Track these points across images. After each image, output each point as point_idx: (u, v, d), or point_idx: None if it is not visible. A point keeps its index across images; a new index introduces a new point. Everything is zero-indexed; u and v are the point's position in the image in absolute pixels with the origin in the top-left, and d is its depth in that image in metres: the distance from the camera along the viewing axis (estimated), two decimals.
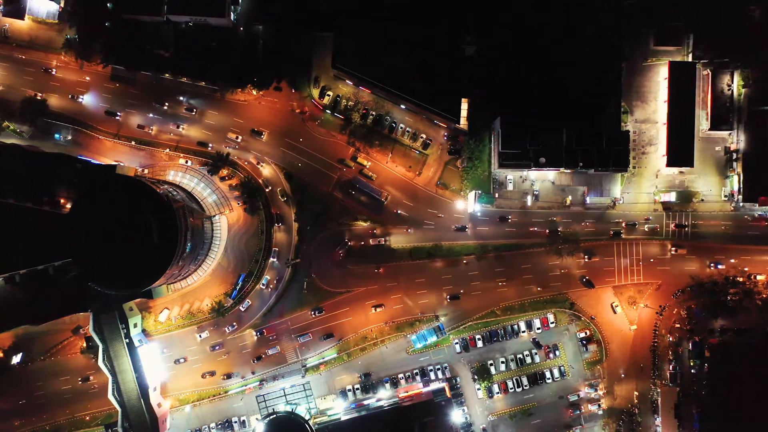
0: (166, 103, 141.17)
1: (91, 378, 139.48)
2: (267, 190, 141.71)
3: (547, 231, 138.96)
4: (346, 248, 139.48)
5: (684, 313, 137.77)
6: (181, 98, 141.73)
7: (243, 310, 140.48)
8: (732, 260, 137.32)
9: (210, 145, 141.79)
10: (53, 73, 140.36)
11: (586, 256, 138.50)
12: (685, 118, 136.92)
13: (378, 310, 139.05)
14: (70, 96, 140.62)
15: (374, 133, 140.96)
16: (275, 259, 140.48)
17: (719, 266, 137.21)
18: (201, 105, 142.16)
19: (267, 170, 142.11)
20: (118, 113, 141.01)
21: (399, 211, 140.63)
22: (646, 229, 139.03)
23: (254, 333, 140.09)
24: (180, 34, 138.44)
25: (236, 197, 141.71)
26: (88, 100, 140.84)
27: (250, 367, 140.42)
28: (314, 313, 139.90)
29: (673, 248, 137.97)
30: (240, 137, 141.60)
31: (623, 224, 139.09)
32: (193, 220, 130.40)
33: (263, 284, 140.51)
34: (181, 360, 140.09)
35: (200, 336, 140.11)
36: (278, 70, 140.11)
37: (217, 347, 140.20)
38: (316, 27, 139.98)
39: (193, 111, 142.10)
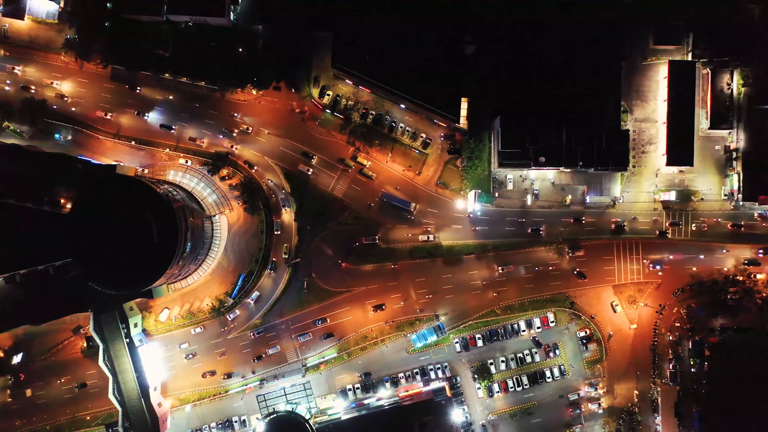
0: (235, 131, 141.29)
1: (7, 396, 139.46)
2: (276, 233, 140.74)
3: (614, 226, 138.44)
4: (374, 240, 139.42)
5: (684, 311, 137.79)
6: (235, 115, 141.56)
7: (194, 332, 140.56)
8: (665, 256, 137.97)
9: (255, 167, 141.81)
10: (138, 91, 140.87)
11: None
12: (685, 117, 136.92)
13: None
14: (136, 113, 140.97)
15: (374, 133, 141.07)
16: (252, 302, 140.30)
17: (658, 266, 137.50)
18: (257, 124, 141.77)
19: (287, 216, 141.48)
20: (173, 127, 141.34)
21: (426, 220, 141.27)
22: (694, 228, 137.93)
23: (185, 357, 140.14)
24: (179, 33, 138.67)
25: (236, 197, 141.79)
26: (153, 117, 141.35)
27: (250, 367, 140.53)
28: (253, 334, 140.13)
29: (570, 251, 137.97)
30: (311, 170, 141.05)
31: (667, 223, 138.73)
32: (193, 220, 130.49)
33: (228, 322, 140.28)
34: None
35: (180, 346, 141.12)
36: (278, 70, 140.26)
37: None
38: (316, 26, 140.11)
39: (249, 130, 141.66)
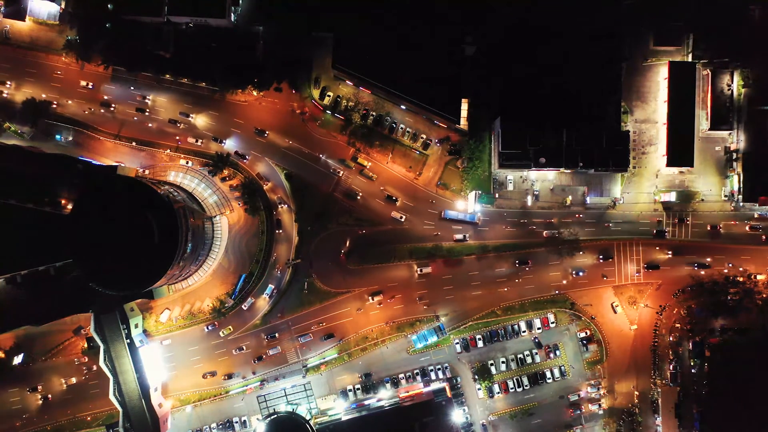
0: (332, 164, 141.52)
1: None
2: (248, 309, 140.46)
3: (709, 228, 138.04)
4: (464, 239, 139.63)
5: (684, 312, 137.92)
6: (321, 156, 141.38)
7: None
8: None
9: (281, 230, 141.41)
10: (266, 136, 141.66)
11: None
12: (685, 118, 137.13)
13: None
14: (213, 138, 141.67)
15: (374, 134, 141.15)
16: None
17: (581, 273, 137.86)
18: (342, 165, 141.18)
19: (261, 302, 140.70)
20: (247, 156, 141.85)
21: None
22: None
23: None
24: (180, 34, 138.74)
25: (237, 198, 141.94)
26: (229, 144, 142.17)
27: (251, 367, 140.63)
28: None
29: (419, 269, 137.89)
30: (403, 217, 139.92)
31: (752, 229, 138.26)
32: (194, 221, 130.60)
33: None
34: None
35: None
36: (278, 71, 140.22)
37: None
38: (316, 27, 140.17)
39: (339, 173, 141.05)
